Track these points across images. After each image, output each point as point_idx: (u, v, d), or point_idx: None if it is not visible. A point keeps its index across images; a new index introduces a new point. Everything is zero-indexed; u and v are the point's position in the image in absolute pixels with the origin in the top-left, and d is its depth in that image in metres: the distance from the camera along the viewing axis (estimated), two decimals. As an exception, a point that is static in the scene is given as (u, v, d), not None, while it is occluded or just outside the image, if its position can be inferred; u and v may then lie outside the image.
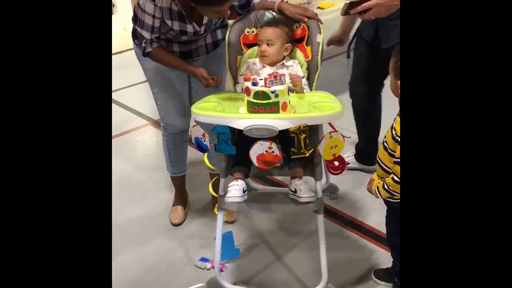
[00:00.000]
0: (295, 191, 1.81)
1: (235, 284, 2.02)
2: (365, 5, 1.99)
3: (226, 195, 1.80)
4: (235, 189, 1.79)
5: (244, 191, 1.81)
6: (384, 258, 2.12)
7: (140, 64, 2.18)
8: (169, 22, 1.94)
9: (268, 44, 1.93)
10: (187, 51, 2.11)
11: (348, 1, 1.99)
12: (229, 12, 1.94)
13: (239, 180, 1.82)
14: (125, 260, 2.20)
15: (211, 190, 2.04)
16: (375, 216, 2.37)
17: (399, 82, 1.49)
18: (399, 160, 1.55)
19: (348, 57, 4.47)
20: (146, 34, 1.95)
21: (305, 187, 1.80)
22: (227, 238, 1.99)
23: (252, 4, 2.09)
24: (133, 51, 2.16)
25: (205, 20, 2.00)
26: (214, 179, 2.11)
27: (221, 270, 2.06)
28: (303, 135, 1.83)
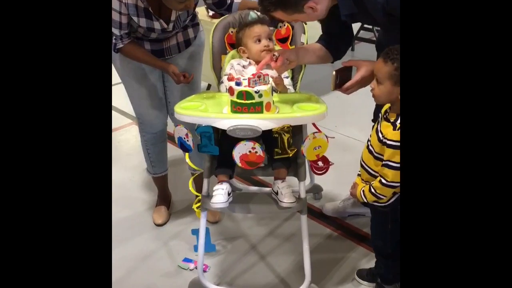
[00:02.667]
0: (277, 193, 1.81)
1: (218, 285, 2.01)
2: (353, 83, 1.79)
3: (212, 200, 1.79)
4: (220, 194, 1.78)
5: (229, 194, 1.80)
6: (367, 258, 2.13)
7: (112, 63, 2.14)
8: (135, 19, 1.93)
9: (269, 39, 1.97)
10: (159, 49, 2.10)
11: (334, 72, 1.78)
12: (194, 4, 1.92)
13: (223, 183, 1.82)
14: (107, 261, 2.17)
15: (191, 188, 2.02)
16: (359, 216, 2.38)
17: (398, 88, 1.48)
18: (387, 162, 1.55)
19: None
20: (115, 31, 1.93)
21: (287, 191, 1.79)
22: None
23: (229, 2, 2.09)
24: None
25: (173, 17, 1.99)
26: (194, 177, 2.10)
27: (204, 271, 2.05)
28: (287, 136, 1.82)
